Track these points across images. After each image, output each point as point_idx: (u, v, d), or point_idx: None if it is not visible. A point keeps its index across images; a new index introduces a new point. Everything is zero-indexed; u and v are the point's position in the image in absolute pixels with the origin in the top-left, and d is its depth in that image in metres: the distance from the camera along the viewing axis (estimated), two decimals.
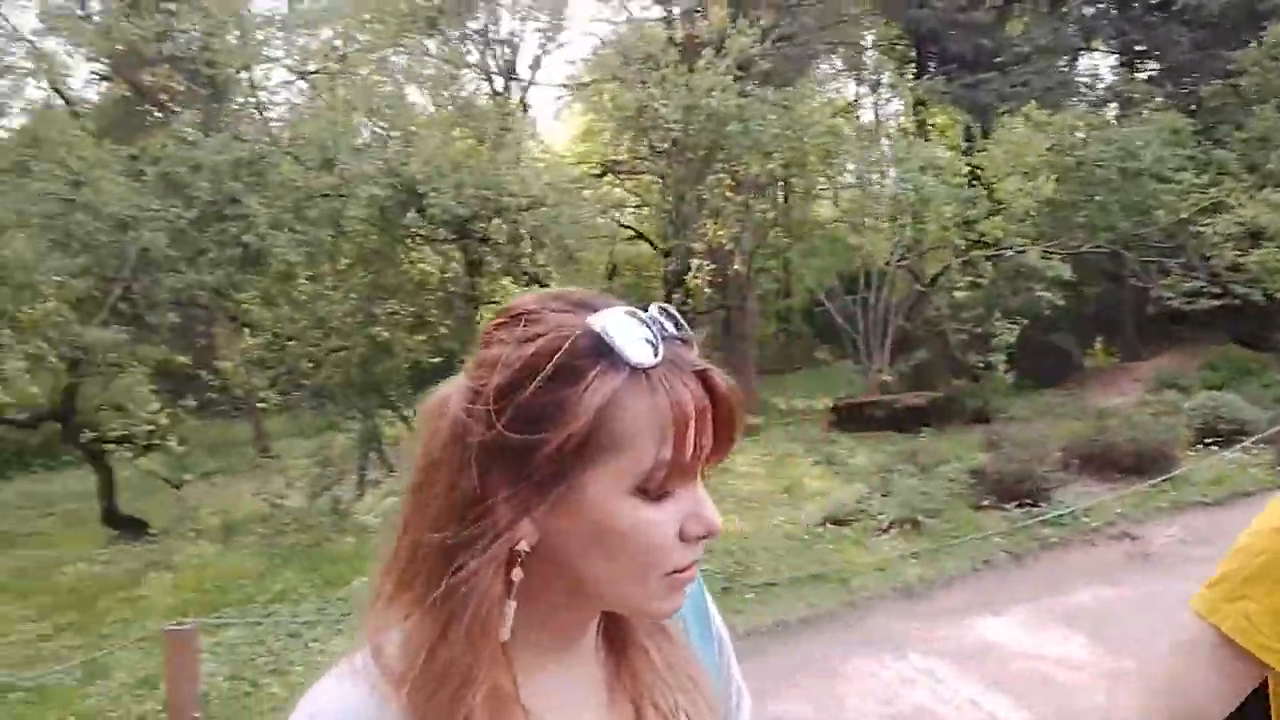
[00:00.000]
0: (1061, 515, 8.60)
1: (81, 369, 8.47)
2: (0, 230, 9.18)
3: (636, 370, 0.74)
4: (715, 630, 1.02)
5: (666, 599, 0.81)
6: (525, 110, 19.78)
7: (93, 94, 22.58)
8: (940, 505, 8.86)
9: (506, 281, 11.33)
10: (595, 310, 0.77)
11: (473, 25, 20.85)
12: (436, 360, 11.52)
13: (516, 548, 0.76)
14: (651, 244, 14.61)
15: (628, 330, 0.75)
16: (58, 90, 21.32)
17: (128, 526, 9.91)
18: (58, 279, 9.05)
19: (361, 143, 9.24)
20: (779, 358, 24.57)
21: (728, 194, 11.20)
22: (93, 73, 22.51)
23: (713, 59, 10.45)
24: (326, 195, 8.79)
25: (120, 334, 7.97)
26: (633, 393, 0.74)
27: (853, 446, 12.01)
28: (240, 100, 16.01)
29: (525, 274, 11.08)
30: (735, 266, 11.92)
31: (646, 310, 0.78)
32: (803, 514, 9.20)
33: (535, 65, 23.11)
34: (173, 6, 12.35)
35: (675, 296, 10.71)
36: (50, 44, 21.50)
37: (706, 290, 12.32)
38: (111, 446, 8.19)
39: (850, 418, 13.61)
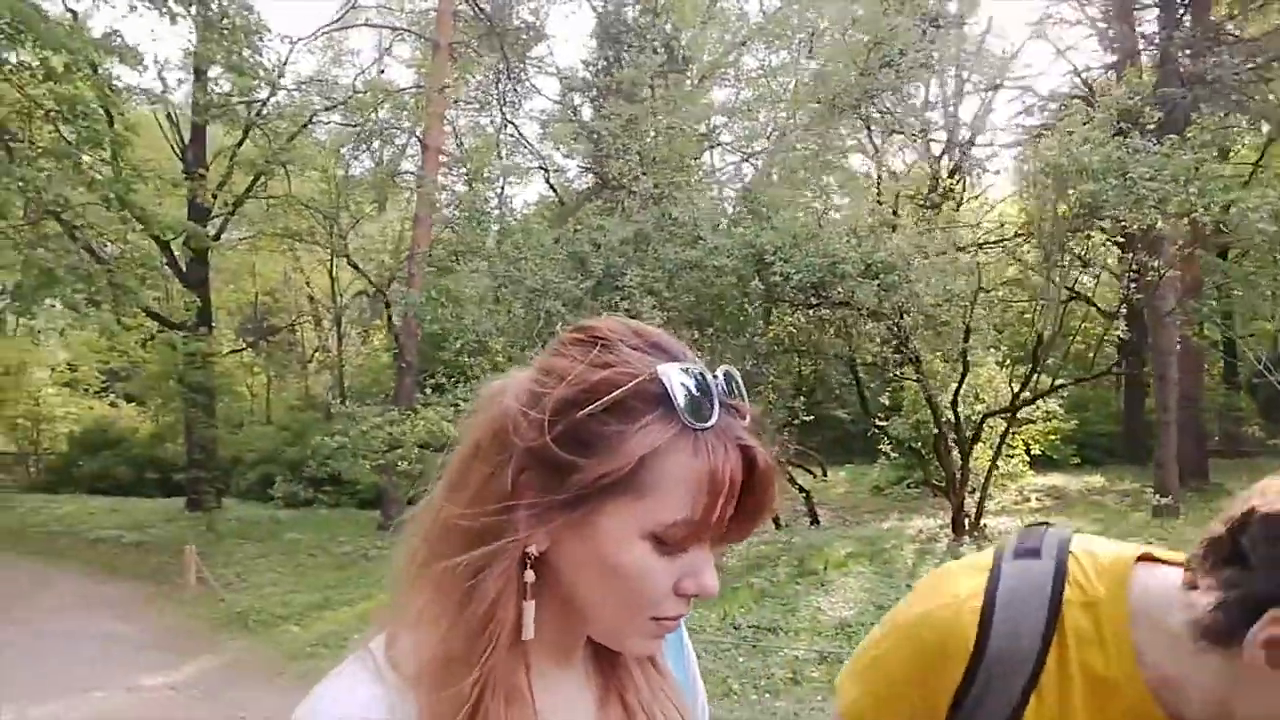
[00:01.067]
0: None
1: None
2: (478, 301, 11.83)
3: (687, 429, 0.75)
4: (687, 650, 1.04)
5: (646, 641, 0.83)
6: (954, 174, 19.74)
7: (582, 185, 26.97)
8: None
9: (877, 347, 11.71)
10: (669, 357, 0.79)
11: (909, 93, 21.30)
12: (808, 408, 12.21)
13: (528, 550, 0.78)
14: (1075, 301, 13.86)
15: (691, 388, 0.76)
16: (550, 185, 25.80)
17: None
18: (498, 341, 11.40)
19: (726, 220, 10.36)
20: (1249, 437, 21.25)
21: (1113, 250, 10.50)
22: (580, 166, 26.87)
23: (1089, 113, 10.02)
24: (696, 267, 10.01)
25: None
26: (678, 449, 0.75)
27: None
28: (693, 180, 17.81)
29: (894, 337, 11.40)
30: (1119, 329, 11.00)
31: (713, 372, 0.79)
32: None
33: (973, 126, 22.91)
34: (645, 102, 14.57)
35: (1050, 360, 10.24)
36: (547, 147, 26.16)
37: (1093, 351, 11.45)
38: None
39: None
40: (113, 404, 25.16)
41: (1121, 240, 10.63)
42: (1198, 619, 0.84)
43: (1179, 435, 16.96)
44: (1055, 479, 18.62)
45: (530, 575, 0.79)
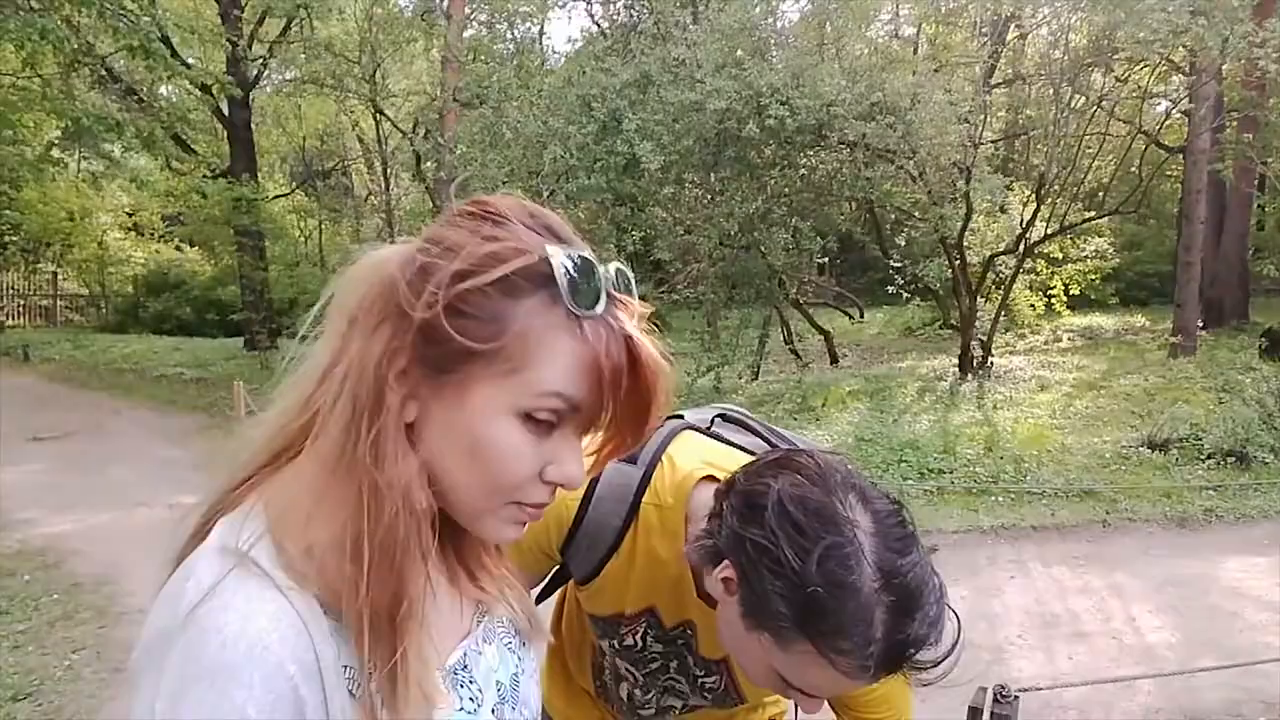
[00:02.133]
0: None
1: None
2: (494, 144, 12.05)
3: (570, 313, 0.75)
4: None
5: (504, 526, 0.81)
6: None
7: (627, 17, 26.12)
8: None
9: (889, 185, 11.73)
10: (559, 241, 0.78)
11: None
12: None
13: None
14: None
15: (580, 274, 0.76)
16: (592, 18, 25.02)
17: None
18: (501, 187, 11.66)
19: (727, 62, 10.23)
20: None
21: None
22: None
23: None
24: (696, 110, 10.03)
25: None
26: (557, 329, 0.75)
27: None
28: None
29: (907, 178, 11.37)
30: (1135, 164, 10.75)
31: (604, 263, 0.79)
32: (1127, 435, 8.59)
33: None
34: None
35: (1060, 197, 10.11)
36: None
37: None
38: None
39: None
40: (177, 248, 26.19)
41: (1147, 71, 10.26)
42: (693, 545, 1.13)
43: (1223, 274, 16.73)
44: (1096, 318, 18.58)
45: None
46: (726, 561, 1.05)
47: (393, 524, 0.74)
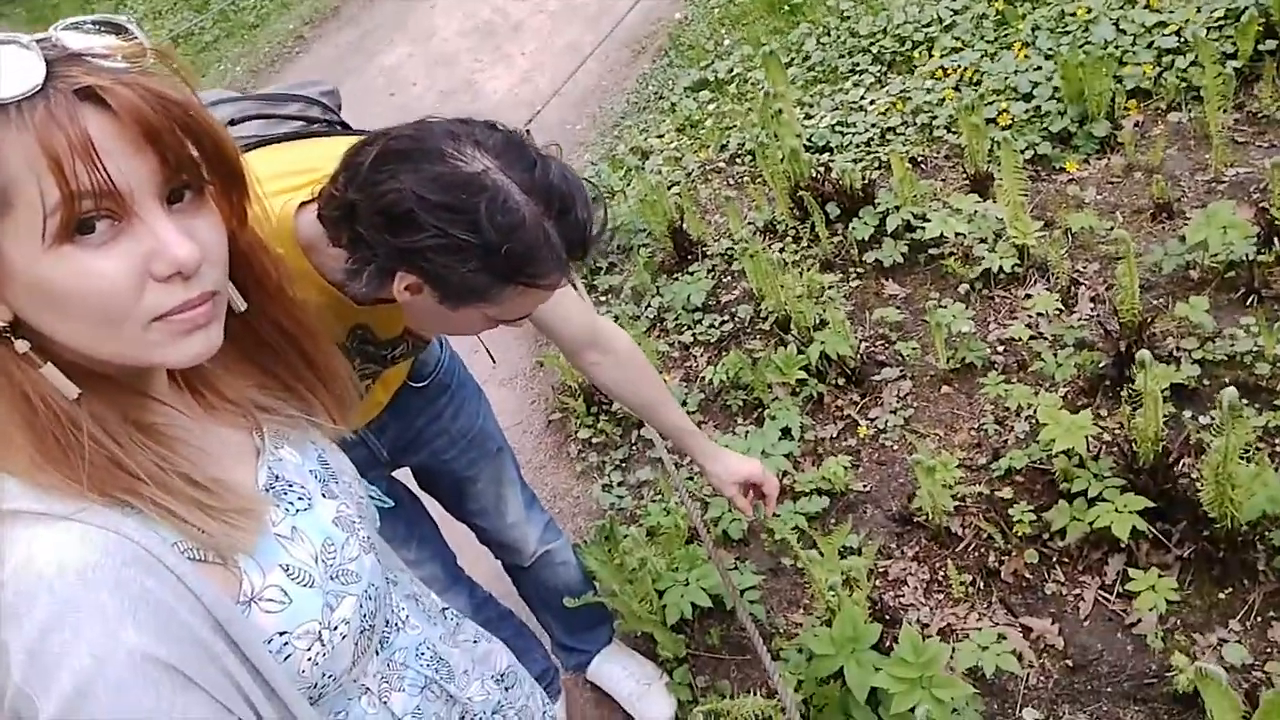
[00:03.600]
0: None
1: None
2: None
3: (5, 108, 0.62)
4: None
5: (172, 346, 0.72)
6: None
7: None
8: None
9: None
10: None
11: None
12: None
13: None
14: None
15: None
16: None
17: None
18: None
19: None
20: None
21: None
22: None
23: None
24: None
25: None
26: (8, 135, 0.62)
27: None
28: None
29: None
30: None
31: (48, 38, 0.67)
32: None
33: None
34: None
35: None
36: None
37: None
38: None
39: None
40: None
41: None
42: (351, 278, 1.10)
43: None
44: None
45: (23, 344, 0.68)
46: (401, 273, 1.06)
47: (55, 429, 0.68)
